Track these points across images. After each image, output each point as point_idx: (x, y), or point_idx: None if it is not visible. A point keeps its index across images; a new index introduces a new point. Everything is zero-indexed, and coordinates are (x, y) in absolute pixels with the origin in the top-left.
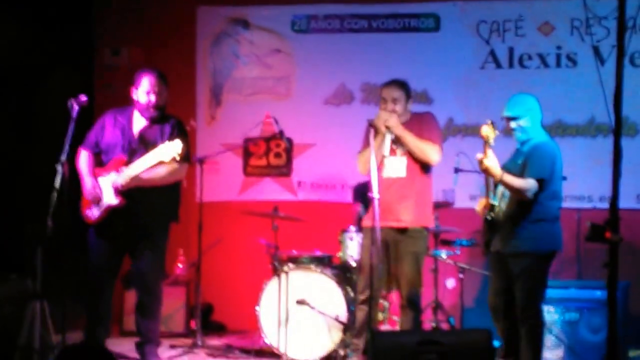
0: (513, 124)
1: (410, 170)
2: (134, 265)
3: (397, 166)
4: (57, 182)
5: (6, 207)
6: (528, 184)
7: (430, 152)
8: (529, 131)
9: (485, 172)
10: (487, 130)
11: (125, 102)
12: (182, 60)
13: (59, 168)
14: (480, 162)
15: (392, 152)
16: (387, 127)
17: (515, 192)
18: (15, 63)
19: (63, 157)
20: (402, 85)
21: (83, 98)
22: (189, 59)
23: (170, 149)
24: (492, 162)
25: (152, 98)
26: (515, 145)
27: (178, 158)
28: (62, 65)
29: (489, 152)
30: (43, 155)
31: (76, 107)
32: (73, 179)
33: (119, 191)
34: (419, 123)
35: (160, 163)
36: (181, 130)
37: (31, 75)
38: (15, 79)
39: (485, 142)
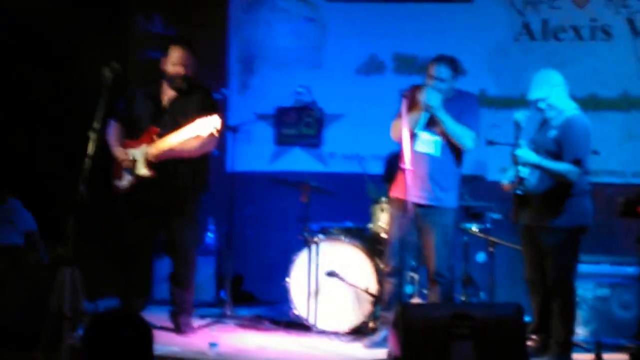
0: (541, 104)
1: (443, 150)
2: (168, 235)
3: (429, 143)
4: (90, 150)
5: (39, 175)
6: (569, 168)
7: (466, 137)
8: (558, 106)
9: (518, 160)
10: (519, 116)
11: (158, 69)
12: (215, 28)
13: (92, 136)
14: (514, 154)
15: (427, 128)
16: (428, 106)
17: (555, 176)
18: (47, 30)
19: (96, 125)
20: (451, 64)
21: (116, 65)
22: (221, 26)
23: (208, 124)
24: (525, 152)
25: (180, 70)
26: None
27: (216, 133)
28: (95, 31)
29: (521, 141)
30: (77, 122)
31: (109, 75)
32: (106, 148)
33: (151, 163)
34: (460, 104)
35: (197, 137)
36: (210, 102)
37: (64, 43)
38: (48, 47)
39: (516, 129)
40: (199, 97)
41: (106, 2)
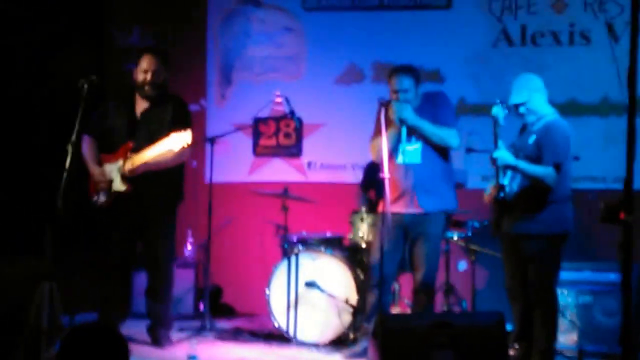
0: (522, 109)
1: (425, 156)
2: (145, 248)
3: (411, 152)
4: (68, 162)
5: (16, 188)
6: (547, 171)
7: (449, 137)
8: (538, 111)
9: (497, 162)
10: (497, 111)
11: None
12: (193, 39)
13: (70, 149)
14: (492, 157)
15: (408, 139)
16: (402, 120)
17: (533, 179)
18: (25, 41)
19: (74, 138)
20: (410, 72)
21: (93, 77)
22: (199, 38)
23: (180, 139)
24: (503, 153)
25: (148, 76)
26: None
27: (187, 147)
28: (72, 44)
29: (500, 142)
30: (53, 136)
31: (86, 87)
32: (82, 161)
33: (127, 177)
34: (432, 105)
35: (169, 151)
36: (183, 113)
37: (40, 55)
38: (25, 58)
39: (495, 125)
40: (172, 108)
41: (84, 15)
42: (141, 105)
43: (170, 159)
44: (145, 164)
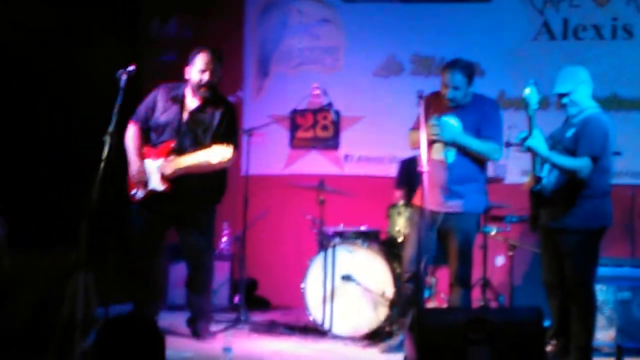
0: (565, 100)
1: (459, 156)
2: (183, 241)
3: (444, 150)
4: (105, 153)
5: (53, 180)
6: (581, 163)
7: (493, 152)
8: (581, 103)
9: (530, 151)
10: (529, 93)
11: (173, 73)
12: (230, 31)
13: (107, 139)
14: (523, 141)
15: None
16: (445, 139)
17: (566, 172)
18: (61, 33)
19: (111, 129)
20: (465, 69)
21: (131, 68)
22: (236, 29)
23: (220, 153)
24: (536, 142)
25: (206, 76)
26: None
27: (225, 163)
28: (109, 34)
29: (535, 131)
30: (91, 126)
31: (124, 78)
32: (120, 151)
33: (166, 178)
34: (479, 111)
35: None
36: (231, 120)
37: (78, 46)
38: (63, 50)
39: (527, 109)
40: (222, 115)
41: (121, 6)
42: (192, 104)
43: (212, 164)
44: (186, 168)
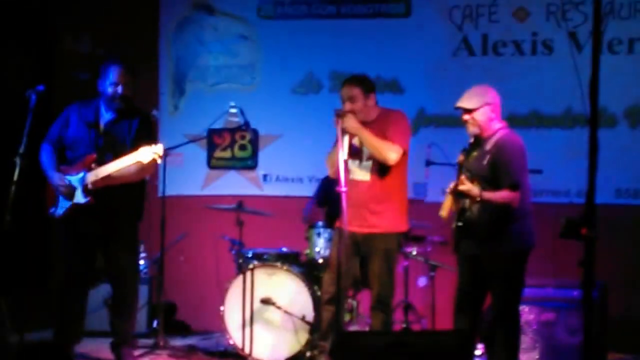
0: (466, 117)
1: (375, 173)
2: (108, 264)
3: (360, 169)
4: (16, 175)
5: None
6: (511, 196)
7: (386, 150)
8: (483, 127)
9: (462, 196)
10: (462, 159)
11: (87, 91)
12: (145, 47)
13: (18, 161)
14: (454, 188)
15: (357, 154)
16: (343, 130)
17: (498, 205)
18: None
19: (21, 150)
20: (358, 81)
21: (41, 87)
22: (151, 46)
23: (151, 151)
24: (468, 186)
25: (119, 90)
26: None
27: (159, 160)
28: (20, 52)
29: (463, 177)
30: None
31: (34, 97)
32: (32, 173)
33: (89, 190)
34: (385, 121)
35: (137, 163)
36: (149, 127)
37: None
38: None
39: (460, 167)
40: (139, 122)
41: (32, 22)
42: (106, 117)
43: (135, 173)
44: (109, 176)
